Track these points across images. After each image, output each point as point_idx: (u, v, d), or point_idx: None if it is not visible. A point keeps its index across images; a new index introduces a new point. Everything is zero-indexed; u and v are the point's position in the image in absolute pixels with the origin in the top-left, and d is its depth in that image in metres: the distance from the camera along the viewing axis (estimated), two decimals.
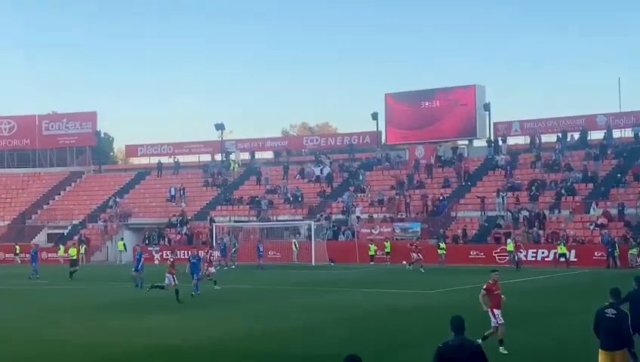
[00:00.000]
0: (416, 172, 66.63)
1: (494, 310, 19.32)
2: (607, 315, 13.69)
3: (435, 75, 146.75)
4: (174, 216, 69.18)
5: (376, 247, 56.52)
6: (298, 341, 22.24)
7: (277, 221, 65.45)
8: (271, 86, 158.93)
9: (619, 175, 57.83)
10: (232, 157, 77.49)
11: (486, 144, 68.19)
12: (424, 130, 69.90)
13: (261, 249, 55.67)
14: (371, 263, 54.90)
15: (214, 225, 63.16)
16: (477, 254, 53.41)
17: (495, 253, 52.36)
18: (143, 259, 40.70)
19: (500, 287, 19.86)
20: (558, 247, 49.31)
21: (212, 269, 40.24)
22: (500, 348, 18.75)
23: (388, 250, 56.03)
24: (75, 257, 49.72)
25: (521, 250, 49.35)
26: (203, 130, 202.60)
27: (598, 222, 52.67)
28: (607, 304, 13.92)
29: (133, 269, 40.74)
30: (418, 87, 74.38)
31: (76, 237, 68.48)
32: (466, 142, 70.66)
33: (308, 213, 64.95)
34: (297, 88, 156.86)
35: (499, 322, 19.12)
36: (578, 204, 56.26)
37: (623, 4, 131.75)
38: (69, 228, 73.04)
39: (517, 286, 36.45)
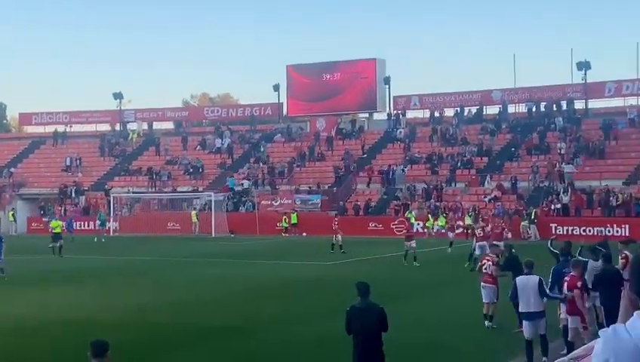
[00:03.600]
0: (317, 144, 67.05)
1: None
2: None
3: (337, 47, 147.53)
4: (65, 186, 67.72)
5: (287, 219, 56.49)
6: (195, 312, 22.25)
7: (176, 192, 64.95)
8: (171, 55, 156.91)
9: (513, 149, 59.52)
10: (131, 126, 76.29)
11: (386, 117, 69.09)
12: (325, 103, 70.28)
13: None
14: (285, 235, 54.93)
15: (112, 195, 62.28)
16: (376, 226, 54.22)
17: (393, 224, 53.19)
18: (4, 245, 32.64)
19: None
20: (465, 219, 49.96)
21: None
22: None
23: (294, 221, 56.24)
24: None
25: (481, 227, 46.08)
26: (101, 98, 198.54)
27: (492, 194, 54.13)
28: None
29: None
30: (320, 59, 74.71)
31: None
32: (367, 115, 71.41)
33: (208, 184, 64.67)
34: (198, 58, 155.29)
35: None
36: (473, 177, 57.67)
37: None
38: None
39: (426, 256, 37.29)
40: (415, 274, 31.54)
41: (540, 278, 15.78)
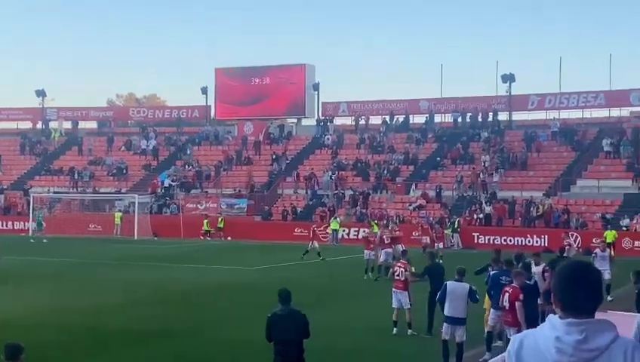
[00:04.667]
0: (244, 148, 66.76)
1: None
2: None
3: (267, 52, 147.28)
4: None
5: (209, 223, 56.06)
6: (115, 316, 21.89)
7: (99, 193, 63.92)
8: (97, 53, 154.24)
9: (438, 158, 60.22)
10: (53, 125, 74.82)
11: (314, 123, 69.22)
12: (254, 107, 70.02)
13: None
14: (208, 238, 54.50)
15: (31, 195, 60.93)
16: (301, 231, 54.14)
17: (319, 230, 53.13)
18: None
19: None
20: (373, 227, 50.14)
21: None
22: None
23: (220, 225, 55.82)
24: None
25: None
26: (23, 96, 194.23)
27: (417, 203, 54.65)
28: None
29: None
30: (249, 63, 74.44)
31: None
32: (295, 120, 71.44)
33: (132, 185, 63.82)
34: (125, 57, 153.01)
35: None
36: (399, 185, 58.14)
37: None
38: None
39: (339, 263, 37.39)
40: (339, 280, 31.58)
41: (470, 286, 16.15)
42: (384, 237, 33.22)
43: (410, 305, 19.29)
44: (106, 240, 52.20)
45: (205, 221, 55.73)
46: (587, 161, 55.78)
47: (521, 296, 15.43)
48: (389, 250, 31.51)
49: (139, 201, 58.06)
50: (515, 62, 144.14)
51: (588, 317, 3.71)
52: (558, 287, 3.81)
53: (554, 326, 3.74)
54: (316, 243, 40.83)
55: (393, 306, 19.52)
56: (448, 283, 16.43)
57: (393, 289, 19.62)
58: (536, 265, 19.54)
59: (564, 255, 23.09)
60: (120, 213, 58.48)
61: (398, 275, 19.68)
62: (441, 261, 22.41)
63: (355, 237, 51.32)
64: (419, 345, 18.37)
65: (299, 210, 57.65)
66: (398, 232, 36.58)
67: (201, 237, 54.52)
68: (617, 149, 54.60)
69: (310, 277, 32.21)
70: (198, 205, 59.84)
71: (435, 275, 19.35)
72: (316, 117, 69.67)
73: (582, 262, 4.00)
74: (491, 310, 16.79)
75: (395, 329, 19.30)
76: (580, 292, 3.75)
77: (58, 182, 66.52)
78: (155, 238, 54.70)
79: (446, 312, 16.19)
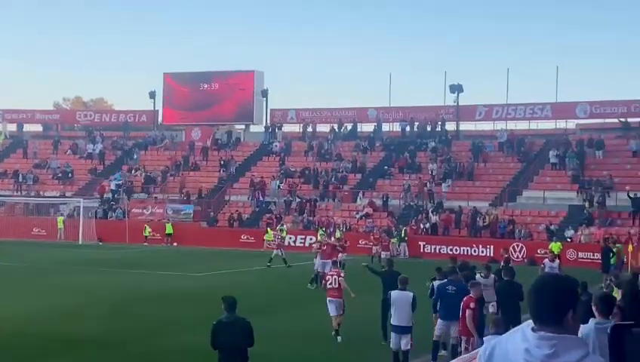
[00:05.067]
0: (191, 154, 66.36)
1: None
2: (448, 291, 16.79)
3: (216, 58, 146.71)
4: None
5: (150, 228, 55.64)
6: (52, 322, 21.51)
7: (44, 197, 62.98)
8: (44, 55, 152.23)
9: (385, 167, 60.47)
10: None
11: (262, 130, 69.08)
12: (202, 113, 69.66)
13: None
14: (145, 244, 53.99)
15: None
16: (248, 238, 53.98)
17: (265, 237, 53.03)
18: None
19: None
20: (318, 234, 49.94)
21: None
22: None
23: (169, 231, 55.33)
24: None
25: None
26: None
27: (364, 211, 54.79)
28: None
29: None
30: (198, 69, 74.09)
31: None
32: (243, 126, 71.25)
33: (78, 189, 63.00)
34: (73, 60, 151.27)
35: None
36: (346, 193, 58.26)
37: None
38: None
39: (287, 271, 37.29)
40: (284, 287, 31.51)
41: (414, 294, 16.31)
42: (328, 246, 33.12)
43: (343, 311, 19.52)
44: (50, 245, 51.46)
45: (146, 226, 55.27)
46: (533, 172, 56.46)
47: (472, 305, 15.50)
48: (332, 260, 31.03)
49: (84, 206, 57.35)
50: (463, 72, 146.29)
51: (555, 327, 3.71)
52: (527, 299, 3.91)
53: (525, 337, 3.74)
54: (280, 251, 40.50)
55: (331, 314, 19.64)
56: (392, 292, 16.57)
57: (328, 299, 19.82)
58: (485, 277, 19.63)
59: (510, 265, 23.25)
60: (62, 218, 57.72)
61: (331, 283, 19.93)
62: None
63: (302, 244, 51.32)
64: (358, 353, 18.37)
65: (245, 216, 57.43)
66: (345, 243, 36.49)
67: (146, 243, 54.07)
68: (563, 161, 55.34)
69: (255, 284, 32.10)
70: (144, 210, 59.31)
71: (389, 283, 19.24)
72: (264, 123, 69.55)
73: (549, 274, 4.02)
74: (438, 320, 16.86)
75: (339, 337, 19.31)
76: (540, 303, 3.78)
77: (2, 185, 65.46)
78: (100, 243, 54.09)
79: (392, 321, 16.37)
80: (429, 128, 63.60)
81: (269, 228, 51.19)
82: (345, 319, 19.71)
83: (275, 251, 40.53)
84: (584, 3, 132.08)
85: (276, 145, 65.53)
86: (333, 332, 19.45)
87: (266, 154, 65.88)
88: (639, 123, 57.31)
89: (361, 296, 20.73)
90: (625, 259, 39.81)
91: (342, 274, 20.29)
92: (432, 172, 57.49)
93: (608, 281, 21.71)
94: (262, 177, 60.64)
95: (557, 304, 3.77)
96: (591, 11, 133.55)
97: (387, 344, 17.54)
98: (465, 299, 15.77)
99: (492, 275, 20.08)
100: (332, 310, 19.59)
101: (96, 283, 30.83)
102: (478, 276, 19.27)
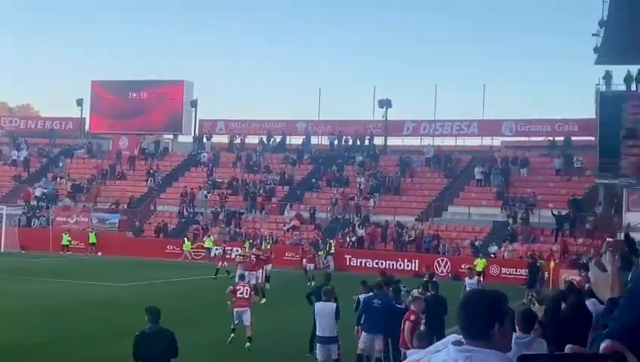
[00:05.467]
0: (118, 162, 65.56)
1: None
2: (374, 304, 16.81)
3: (146, 68, 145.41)
4: None
5: (70, 237, 54.74)
6: None
7: None
8: None
9: (313, 180, 60.62)
10: None
11: (191, 140, 68.66)
12: (130, 121, 68.93)
13: None
14: (68, 253, 53.08)
15: None
16: (173, 249, 53.50)
17: (193, 248, 52.66)
18: None
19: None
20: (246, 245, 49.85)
21: None
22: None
23: (93, 241, 54.44)
24: None
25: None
26: None
27: (291, 223, 54.84)
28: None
29: None
30: (127, 77, 73.29)
31: None
32: (172, 136, 70.71)
33: (1, 197, 61.65)
34: None
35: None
36: (274, 205, 58.23)
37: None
38: None
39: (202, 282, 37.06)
40: (208, 298, 31.28)
41: (337, 306, 16.60)
42: (253, 257, 33.31)
43: (251, 322, 20.08)
44: None
45: (64, 234, 54.41)
46: (459, 188, 57.21)
47: (412, 317, 15.59)
48: (253, 273, 31.04)
49: (7, 213, 56.17)
50: (392, 88, 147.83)
51: (482, 342, 3.75)
52: (457, 314, 3.94)
53: (448, 350, 3.79)
54: (225, 263, 40.55)
55: (236, 322, 20.26)
56: (316, 304, 16.85)
57: (235, 309, 20.27)
58: (422, 294, 19.73)
59: (434, 279, 23.53)
60: None
61: (241, 293, 20.45)
62: (313, 283, 22.62)
63: (229, 256, 51.00)
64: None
65: (171, 227, 56.95)
66: (270, 254, 36.56)
67: (65, 251, 53.20)
68: (488, 178, 56.22)
69: (179, 294, 31.82)
70: (69, 218, 58.36)
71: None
72: (193, 134, 69.15)
73: (475, 289, 4.11)
74: (362, 333, 16.97)
75: (247, 343, 19.73)
76: (466, 317, 3.85)
77: None
78: (23, 251, 53.01)
79: (317, 333, 16.56)
80: (357, 142, 63.99)
81: (185, 239, 51.48)
82: (269, 331, 19.82)
83: (220, 263, 40.86)
84: (512, 26, 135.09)
85: (204, 156, 65.18)
86: (248, 344, 19.71)
87: (194, 164, 65.46)
88: (563, 142, 58.58)
89: (285, 308, 20.84)
90: (546, 276, 40.58)
91: (252, 286, 21.47)
92: (359, 186, 57.85)
93: (530, 297, 22.18)
94: (188, 187, 60.15)
95: (483, 318, 3.82)
96: (518, 34, 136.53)
97: (312, 356, 17.63)
98: (407, 312, 15.91)
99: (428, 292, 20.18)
100: (236, 318, 20.25)
101: (15, 292, 30.15)
102: (414, 291, 19.48)
